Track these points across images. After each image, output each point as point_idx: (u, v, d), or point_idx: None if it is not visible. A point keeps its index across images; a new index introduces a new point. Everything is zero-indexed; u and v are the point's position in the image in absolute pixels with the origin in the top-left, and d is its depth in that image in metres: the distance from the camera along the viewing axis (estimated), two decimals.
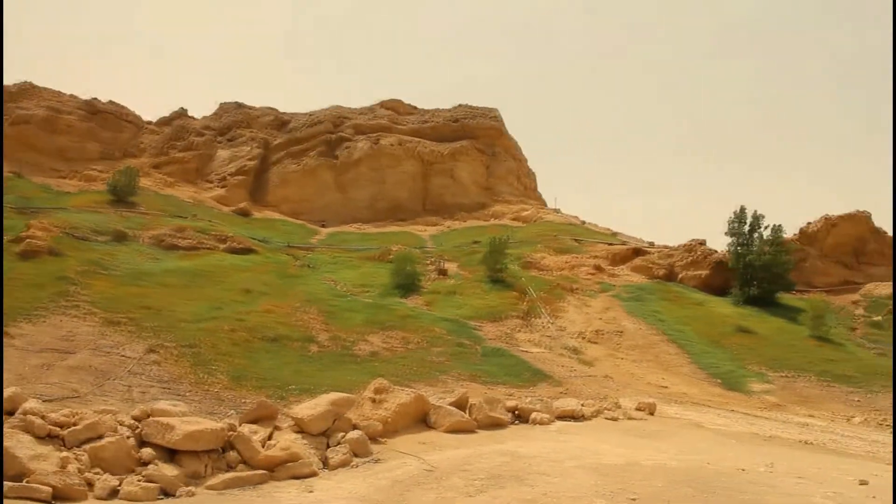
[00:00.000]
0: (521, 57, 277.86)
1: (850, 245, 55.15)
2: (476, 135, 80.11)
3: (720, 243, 49.61)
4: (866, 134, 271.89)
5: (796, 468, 13.32)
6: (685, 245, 51.78)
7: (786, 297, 45.61)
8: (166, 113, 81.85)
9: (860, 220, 55.56)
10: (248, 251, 41.11)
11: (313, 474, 10.42)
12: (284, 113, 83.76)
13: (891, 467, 15.47)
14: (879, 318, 42.78)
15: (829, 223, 54.53)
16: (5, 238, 30.76)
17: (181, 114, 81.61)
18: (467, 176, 76.18)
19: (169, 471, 10.06)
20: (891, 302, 45.61)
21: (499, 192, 76.94)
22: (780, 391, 28.41)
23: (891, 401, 28.20)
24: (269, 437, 11.39)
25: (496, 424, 15.77)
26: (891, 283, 50.93)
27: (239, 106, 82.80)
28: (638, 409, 21.05)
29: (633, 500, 9.15)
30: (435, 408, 15.03)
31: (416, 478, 10.07)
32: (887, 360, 34.57)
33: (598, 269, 48.57)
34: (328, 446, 11.67)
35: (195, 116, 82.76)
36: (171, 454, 10.55)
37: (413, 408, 14.61)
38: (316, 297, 32.40)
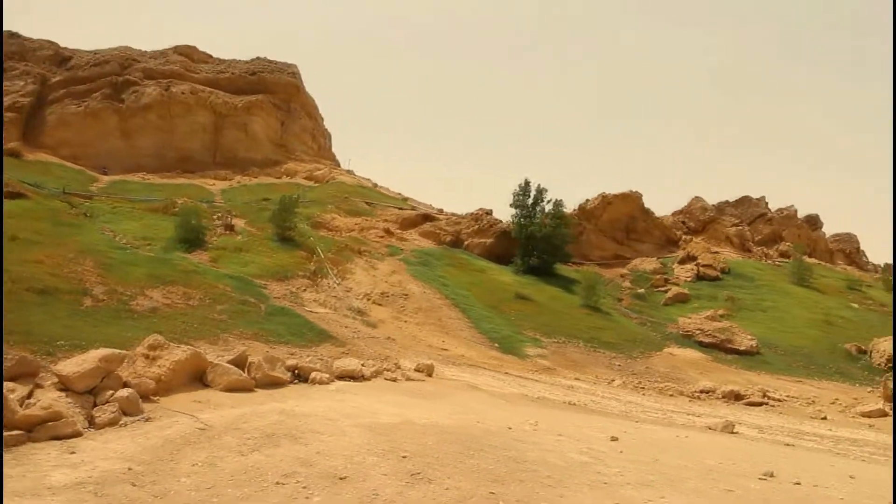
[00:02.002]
0: (325, 16, 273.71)
1: (622, 222, 59.14)
2: (273, 90, 78.32)
3: (507, 214, 51.62)
4: (644, 120, 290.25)
5: (558, 426, 14.26)
6: (472, 214, 53.43)
7: (563, 268, 48.24)
8: None
9: (633, 199, 59.63)
10: (17, 196, 38.15)
11: (77, 434, 9.94)
12: (66, 48, 77.65)
13: (640, 425, 16.91)
14: (643, 290, 46.21)
15: (606, 201, 58.16)
16: None
17: None
18: (261, 131, 74.47)
19: None
20: (654, 276, 49.38)
21: (293, 150, 75.85)
22: (551, 355, 30.12)
23: (645, 365, 30.70)
24: (29, 396, 10.75)
25: (275, 383, 15.74)
26: (655, 258, 55.08)
27: (13, 35, 75.81)
28: (417, 370, 21.67)
29: (404, 457, 9.47)
30: (212, 366, 14.77)
31: (188, 437, 9.90)
32: (647, 329, 37.49)
33: (388, 232, 49.18)
34: (95, 405, 11.20)
35: None
36: None
37: (189, 365, 14.27)
38: (92, 248, 30.66)
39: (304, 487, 7.83)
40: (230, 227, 41.92)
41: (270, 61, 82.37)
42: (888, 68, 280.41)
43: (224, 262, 34.30)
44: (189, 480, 7.88)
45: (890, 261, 66.76)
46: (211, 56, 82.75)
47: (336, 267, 37.18)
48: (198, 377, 14.55)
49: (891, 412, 25.99)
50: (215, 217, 43.77)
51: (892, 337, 32.85)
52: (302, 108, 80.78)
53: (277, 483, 7.92)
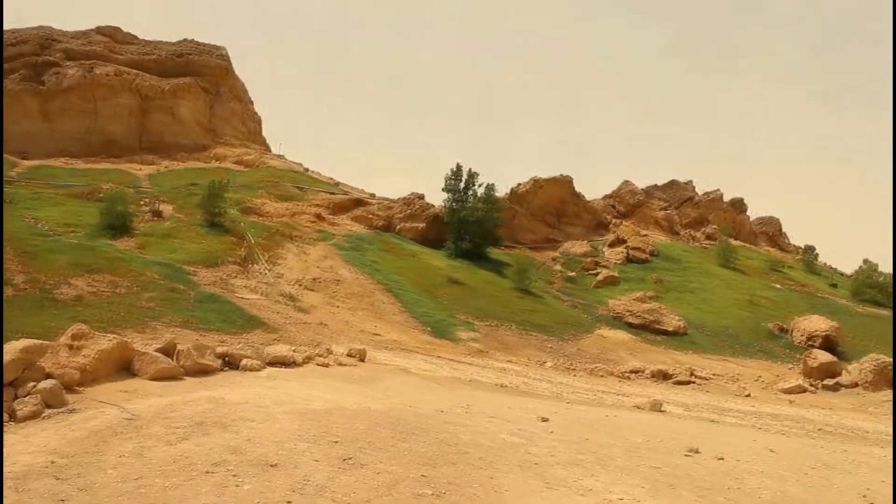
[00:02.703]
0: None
1: (553, 206, 59.80)
2: (201, 72, 76.72)
3: (439, 198, 51.73)
4: (574, 103, 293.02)
5: (490, 409, 14.39)
6: (404, 198, 53.37)
7: (495, 252, 48.60)
8: None
9: (563, 183, 60.34)
10: None
11: None
12: None
13: (571, 406, 17.17)
14: (574, 273, 46.84)
15: (537, 185, 58.72)
16: None
17: None
18: (189, 115, 73.00)
19: None
20: (585, 259, 50.08)
21: (222, 134, 74.58)
22: (484, 339, 30.36)
23: (576, 347, 31.16)
24: None
25: (204, 371, 15.53)
26: (585, 241, 55.83)
27: None
28: (349, 355, 21.62)
29: (336, 442, 9.44)
30: (140, 355, 14.49)
31: (115, 427, 9.70)
32: (578, 312, 38.03)
33: (319, 217, 48.85)
34: (17, 397, 10.90)
35: None
36: None
37: (115, 355, 13.98)
38: (13, 235, 29.77)
39: (235, 476, 7.75)
40: (157, 213, 41.14)
41: (199, 43, 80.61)
42: (822, 53, 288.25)
43: (152, 249, 33.67)
44: (116, 472, 7.73)
45: (810, 242, 68.98)
46: (136, 37, 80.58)
47: (267, 253, 36.79)
48: (125, 366, 14.27)
49: (810, 388, 26.87)
50: (142, 203, 42.88)
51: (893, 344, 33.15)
52: (231, 92, 79.40)
53: (207, 472, 7.83)
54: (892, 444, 15.59)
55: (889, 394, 25.35)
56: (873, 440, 16.93)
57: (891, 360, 27.00)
